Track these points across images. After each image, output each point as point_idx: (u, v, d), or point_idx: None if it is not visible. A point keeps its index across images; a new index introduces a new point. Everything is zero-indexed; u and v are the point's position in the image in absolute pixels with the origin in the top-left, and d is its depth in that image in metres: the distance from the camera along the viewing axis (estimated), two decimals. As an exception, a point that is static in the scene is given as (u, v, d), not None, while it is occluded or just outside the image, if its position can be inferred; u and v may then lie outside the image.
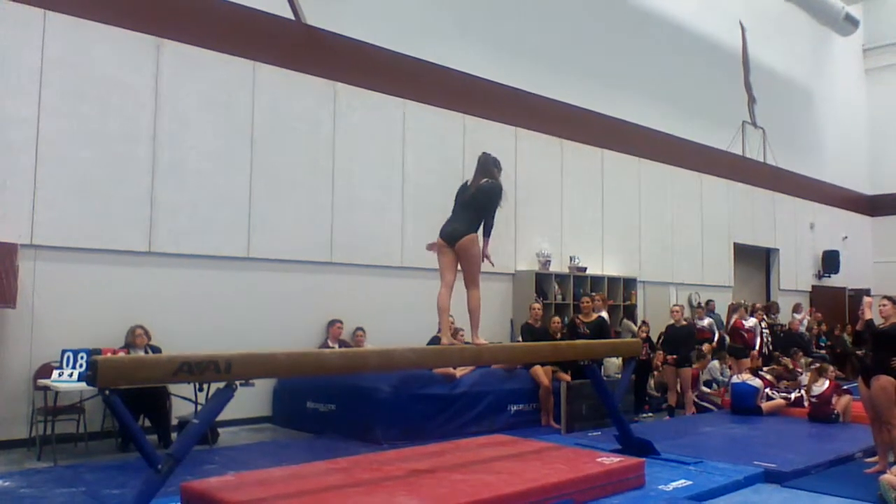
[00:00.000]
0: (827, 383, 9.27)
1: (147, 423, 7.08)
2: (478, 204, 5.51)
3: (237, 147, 8.50)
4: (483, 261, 5.57)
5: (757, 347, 11.47)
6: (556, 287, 11.51)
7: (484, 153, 5.74)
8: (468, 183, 5.65)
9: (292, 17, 9.05)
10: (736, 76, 16.56)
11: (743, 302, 13.02)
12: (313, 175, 9.12)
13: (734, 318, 11.80)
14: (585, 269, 12.08)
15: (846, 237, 19.85)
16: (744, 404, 9.72)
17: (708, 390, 11.00)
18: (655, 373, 10.70)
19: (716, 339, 11.73)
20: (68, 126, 7.34)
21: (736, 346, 11.39)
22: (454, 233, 5.44)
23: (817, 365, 9.86)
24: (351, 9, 9.60)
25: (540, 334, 9.04)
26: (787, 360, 11.63)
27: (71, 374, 6.60)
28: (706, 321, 11.82)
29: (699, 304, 13.74)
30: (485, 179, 5.56)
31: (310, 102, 9.14)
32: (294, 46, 9.07)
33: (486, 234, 5.59)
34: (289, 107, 8.96)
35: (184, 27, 8.15)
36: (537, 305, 9.61)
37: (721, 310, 14.32)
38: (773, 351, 12.62)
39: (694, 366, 10.62)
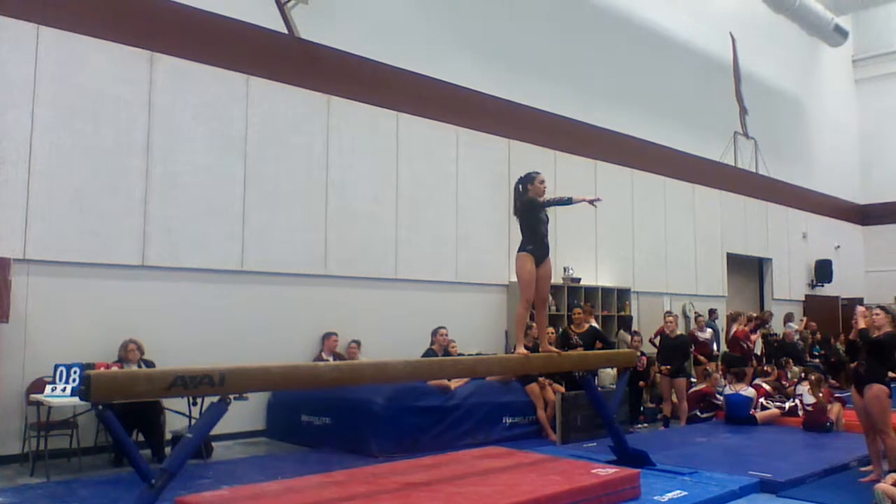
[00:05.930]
0: (821, 393, 9.30)
1: (141, 437, 7.05)
2: (522, 226, 6.33)
3: (231, 160, 8.51)
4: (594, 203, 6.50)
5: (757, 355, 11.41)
6: (551, 298, 11.49)
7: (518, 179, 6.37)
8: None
9: (285, 31, 9.08)
10: (727, 87, 16.66)
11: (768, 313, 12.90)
12: (307, 187, 9.12)
13: (734, 327, 11.75)
14: (579, 279, 12.09)
15: (839, 246, 19.93)
16: (738, 414, 9.72)
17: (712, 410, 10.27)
18: (643, 382, 10.58)
19: (718, 352, 11.46)
20: (61, 140, 7.33)
21: (734, 355, 11.34)
22: None
23: (814, 376, 9.85)
24: (343, 22, 9.63)
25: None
26: (773, 371, 11.49)
27: (64, 389, 6.55)
28: (707, 332, 11.50)
29: (698, 314, 13.22)
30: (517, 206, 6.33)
31: (303, 115, 9.16)
32: (287, 60, 9.09)
33: (555, 203, 6.40)
34: (282, 120, 8.97)
35: (177, 41, 8.17)
36: (533, 324, 9.47)
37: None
38: (768, 361, 12.61)
39: (701, 385, 10.38)
